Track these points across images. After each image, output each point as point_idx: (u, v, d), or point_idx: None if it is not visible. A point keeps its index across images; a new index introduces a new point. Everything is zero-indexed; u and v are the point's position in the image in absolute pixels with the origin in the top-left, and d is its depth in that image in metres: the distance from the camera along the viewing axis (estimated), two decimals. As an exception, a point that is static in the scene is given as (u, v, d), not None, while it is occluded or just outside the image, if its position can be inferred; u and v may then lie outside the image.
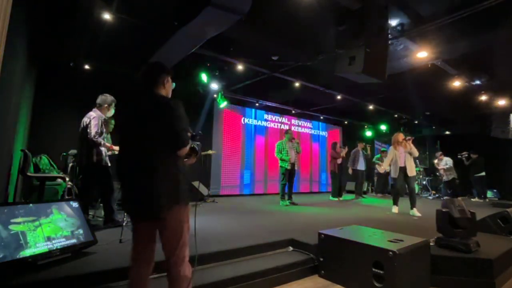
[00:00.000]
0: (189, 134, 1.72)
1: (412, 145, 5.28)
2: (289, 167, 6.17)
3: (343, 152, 7.82)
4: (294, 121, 10.44)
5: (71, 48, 5.18)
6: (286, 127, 10.06)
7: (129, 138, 1.66)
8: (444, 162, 9.00)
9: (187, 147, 1.63)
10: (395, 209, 5.49)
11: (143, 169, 1.56)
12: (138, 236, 1.66)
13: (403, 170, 5.27)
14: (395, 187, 5.50)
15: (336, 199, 7.75)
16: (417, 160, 9.11)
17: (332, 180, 7.93)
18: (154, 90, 1.73)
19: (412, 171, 5.21)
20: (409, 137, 5.37)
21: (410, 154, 5.26)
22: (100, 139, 3.40)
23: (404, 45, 4.86)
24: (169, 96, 1.82)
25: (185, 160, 1.75)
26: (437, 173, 9.43)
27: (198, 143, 1.83)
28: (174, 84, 1.88)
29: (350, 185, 9.41)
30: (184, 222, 1.62)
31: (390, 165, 5.51)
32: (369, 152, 8.65)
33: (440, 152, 9.33)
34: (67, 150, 4.86)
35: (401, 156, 5.32)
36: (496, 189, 9.91)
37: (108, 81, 5.46)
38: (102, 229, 3.32)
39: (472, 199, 8.93)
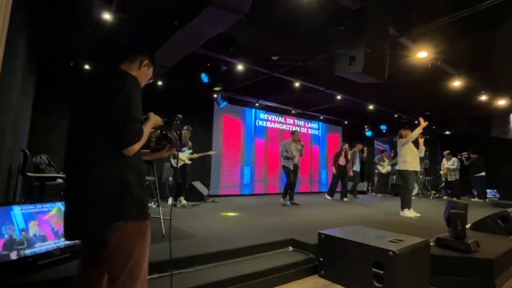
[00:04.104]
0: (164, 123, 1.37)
1: (422, 144, 5.26)
2: (292, 167, 6.21)
3: (349, 155, 7.88)
4: (294, 121, 10.43)
5: (71, 48, 5.18)
6: (286, 127, 10.06)
7: (68, 132, 1.32)
8: (452, 162, 9.01)
9: (137, 145, 1.21)
10: (412, 213, 4.94)
11: (73, 173, 1.23)
12: (81, 258, 1.34)
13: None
14: (412, 185, 5.06)
15: (330, 198, 7.86)
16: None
17: (332, 180, 8.07)
18: (118, 66, 1.35)
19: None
20: (423, 136, 5.32)
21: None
22: None
23: (404, 45, 4.87)
24: (142, 84, 1.38)
25: (154, 153, 1.40)
26: (440, 172, 9.39)
27: (183, 131, 1.45)
28: (152, 69, 1.46)
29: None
30: (134, 243, 1.19)
31: (392, 164, 5.49)
32: (365, 154, 8.72)
33: (448, 151, 9.32)
34: (67, 150, 4.85)
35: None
36: (496, 189, 9.91)
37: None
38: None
39: (472, 199, 8.93)
